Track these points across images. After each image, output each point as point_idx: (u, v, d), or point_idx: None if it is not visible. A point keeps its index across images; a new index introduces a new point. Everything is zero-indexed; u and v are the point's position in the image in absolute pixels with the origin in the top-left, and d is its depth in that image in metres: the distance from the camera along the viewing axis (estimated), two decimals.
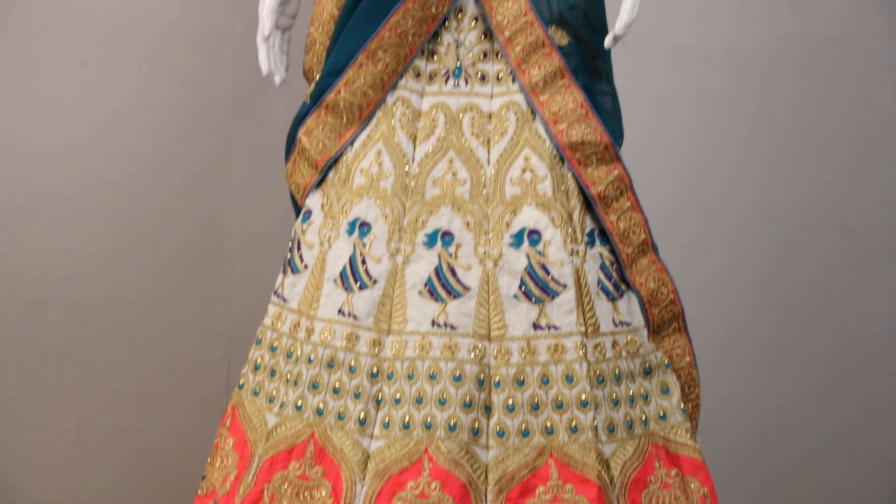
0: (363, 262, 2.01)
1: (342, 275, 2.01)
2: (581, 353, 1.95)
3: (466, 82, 2.07)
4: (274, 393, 2.05)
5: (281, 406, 2.02)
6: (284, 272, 2.12)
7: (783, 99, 3.18)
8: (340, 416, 1.95)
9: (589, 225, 2.03)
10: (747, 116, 3.20)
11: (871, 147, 3.20)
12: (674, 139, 3.19)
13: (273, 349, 2.10)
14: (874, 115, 3.19)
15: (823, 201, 3.21)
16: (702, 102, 3.19)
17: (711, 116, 3.20)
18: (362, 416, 1.95)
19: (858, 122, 3.19)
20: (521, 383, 1.94)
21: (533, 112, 2.03)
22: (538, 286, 1.97)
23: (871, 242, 3.21)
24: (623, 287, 2.06)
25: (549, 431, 1.93)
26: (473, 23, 2.07)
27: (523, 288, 1.97)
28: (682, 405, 2.06)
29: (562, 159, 2.02)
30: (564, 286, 1.97)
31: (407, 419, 1.93)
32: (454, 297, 1.98)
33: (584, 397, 1.95)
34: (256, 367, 2.12)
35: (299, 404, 1.99)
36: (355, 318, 1.99)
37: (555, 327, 1.96)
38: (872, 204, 3.21)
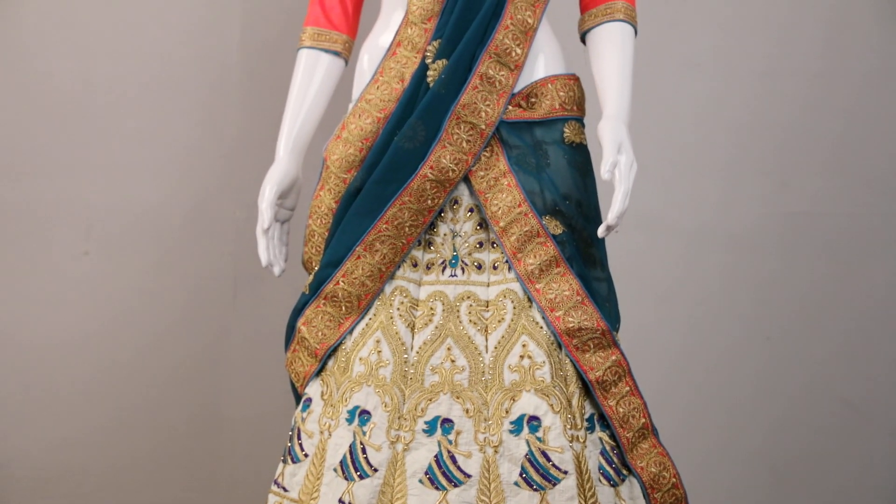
0: (363, 450, 2.01)
1: (342, 463, 2.01)
2: None
3: (463, 271, 2.11)
4: None
5: None
6: (284, 461, 2.12)
7: (782, 275, 3.22)
8: None
9: (588, 410, 2.04)
10: (746, 292, 3.23)
11: (868, 319, 3.23)
12: (672, 316, 3.21)
13: None
14: (871, 288, 3.22)
15: (822, 376, 3.22)
16: (701, 278, 3.22)
17: (710, 292, 3.22)
18: None
19: (857, 296, 3.22)
20: None
21: (529, 299, 2.06)
22: (539, 473, 1.97)
23: (869, 415, 3.21)
24: (624, 472, 2.05)
25: None
26: (469, 214, 2.12)
27: (524, 475, 1.97)
28: None
29: (559, 345, 2.04)
30: (565, 473, 1.96)
31: None
32: (455, 485, 1.97)
33: None
34: None
35: None
36: None
37: None
38: (870, 378, 3.21)
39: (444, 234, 2.12)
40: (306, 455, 2.08)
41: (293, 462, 2.10)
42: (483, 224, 2.11)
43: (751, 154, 3.21)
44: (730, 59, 3.21)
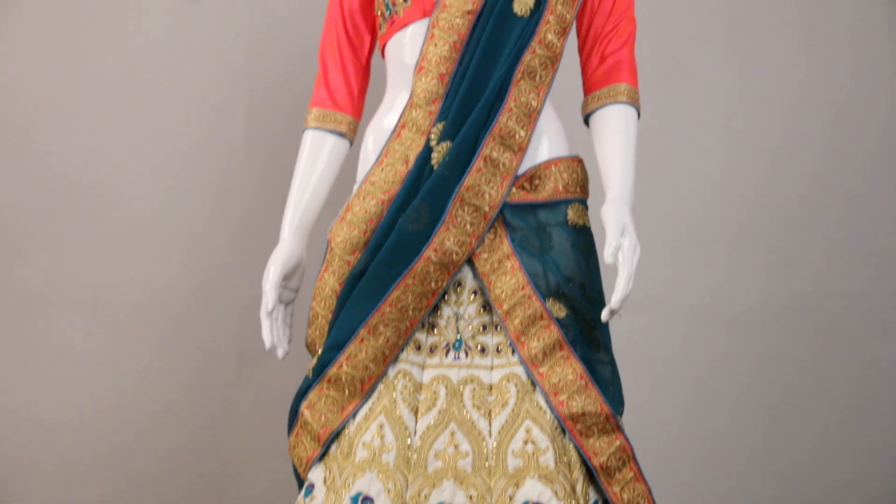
0: None
1: None
2: None
3: (466, 354, 2.10)
4: None
5: None
6: None
7: (786, 354, 3.21)
8: None
9: (592, 496, 2.02)
10: (750, 371, 3.21)
11: (872, 399, 3.21)
12: (676, 395, 3.20)
13: None
14: (875, 367, 3.21)
15: (825, 455, 3.19)
16: (705, 357, 3.21)
17: (714, 371, 3.21)
18: None
19: (861, 376, 3.21)
20: None
21: (533, 384, 2.05)
22: None
23: (872, 494, 3.18)
24: None
25: None
26: (472, 296, 2.11)
27: None
28: None
29: (563, 430, 2.02)
30: None
31: None
32: None
33: None
34: None
35: None
36: None
37: None
38: (873, 456, 3.19)
39: (448, 317, 2.11)
40: None
41: None
42: (487, 306, 2.11)
43: (756, 233, 3.22)
44: (736, 137, 3.23)
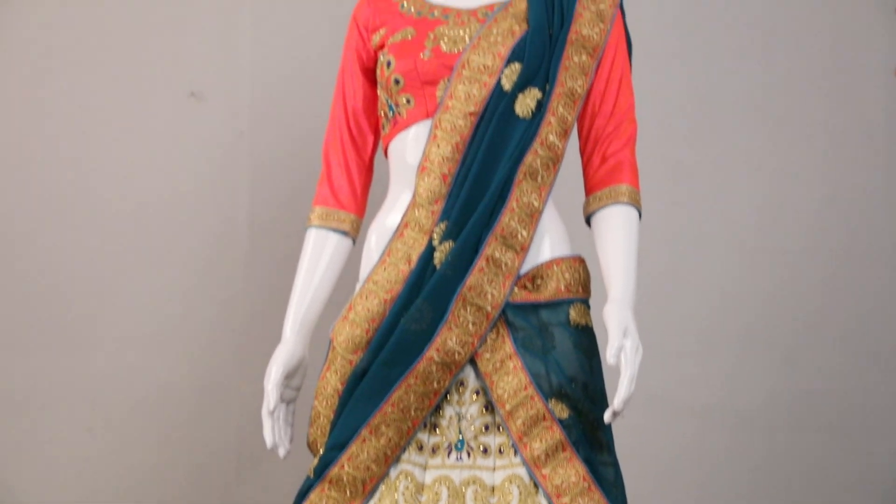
0: None
1: None
2: None
3: (469, 455, 2.08)
4: None
5: None
6: None
7: (790, 452, 3.19)
8: None
9: None
10: (754, 470, 3.19)
11: (877, 497, 3.18)
12: (678, 495, 3.17)
13: None
14: (879, 465, 3.19)
15: None
16: (708, 457, 3.19)
17: (717, 470, 3.19)
18: None
19: (865, 473, 3.19)
20: None
21: (536, 485, 2.03)
22: None
23: None
24: None
25: None
26: (475, 396, 2.10)
27: None
28: None
29: None
30: None
31: None
32: None
33: None
34: None
35: None
36: None
37: None
38: None
39: (450, 417, 2.10)
40: None
41: None
42: (489, 406, 2.10)
43: (760, 332, 3.22)
44: (740, 236, 3.24)
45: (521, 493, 2.03)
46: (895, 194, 3.29)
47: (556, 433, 2.03)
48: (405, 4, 2.27)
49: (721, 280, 3.23)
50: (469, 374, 2.11)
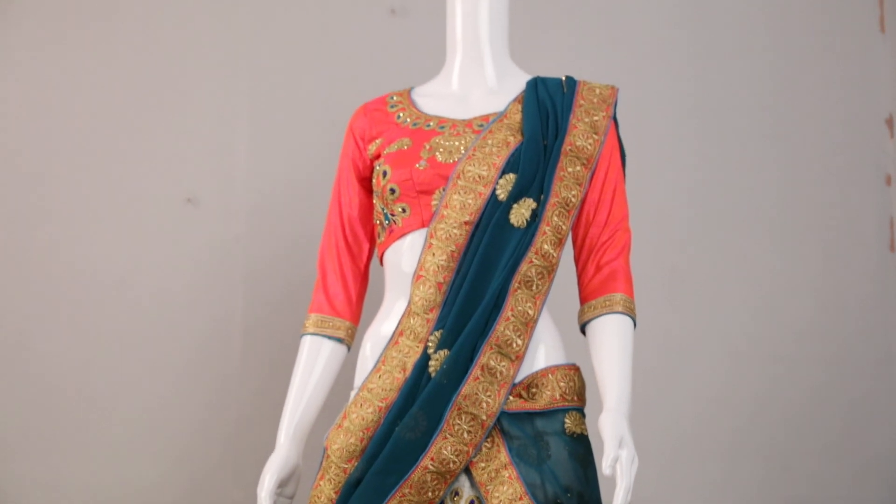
0: None
1: None
2: None
3: None
4: None
5: None
6: None
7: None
8: None
9: None
10: None
11: None
12: None
13: None
14: None
15: None
16: None
17: None
18: None
19: None
20: None
21: None
22: None
23: None
24: None
25: None
26: None
27: None
28: None
29: None
30: None
31: None
32: None
33: None
34: None
35: None
36: None
37: None
38: None
39: None
40: None
41: None
42: None
43: (753, 438, 3.21)
44: (734, 343, 3.25)
45: None
46: (886, 304, 3.30)
47: None
48: (401, 115, 2.31)
49: (715, 388, 3.22)
50: (464, 484, 2.10)
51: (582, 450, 2.12)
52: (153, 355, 3.05)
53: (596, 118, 2.26)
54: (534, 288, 2.15)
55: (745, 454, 3.20)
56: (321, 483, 2.16)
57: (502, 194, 2.16)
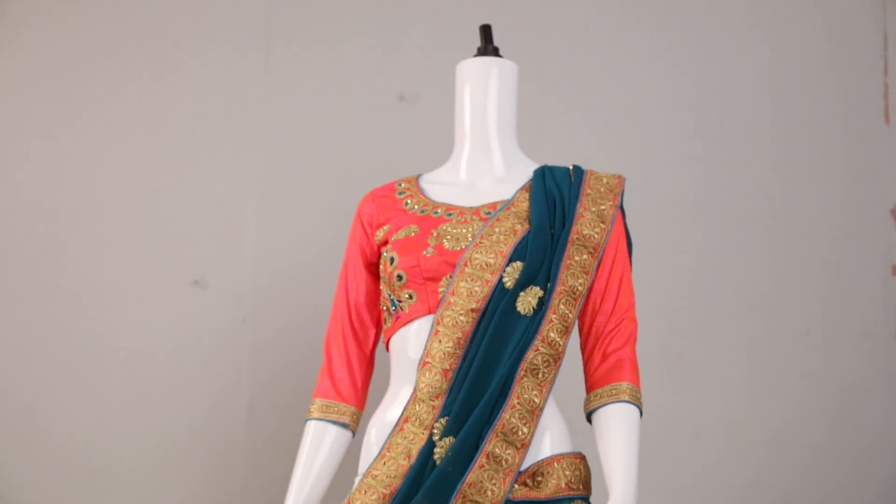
0: None
1: None
2: None
3: None
4: None
5: None
6: None
7: None
8: None
9: None
10: None
11: None
12: None
13: None
14: None
15: None
16: None
17: None
18: None
19: None
20: None
21: None
22: None
23: None
24: None
25: None
26: None
27: None
28: None
29: None
30: None
31: None
32: None
33: None
34: None
35: None
36: None
37: None
38: None
39: None
40: None
41: None
42: None
43: None
44: (734, 426, 3.23)
45: None
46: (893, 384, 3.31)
47: None
48: (409, 202, 2.33)
49: (716, 469, 3.21)
50: None
51: None
52: (155, 439, 3.04)
53: (603, 207, 2.28)
54: (540, 376, 2.15)
55: None
56: None
57: (509, 282, 2.17)
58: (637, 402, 2.19)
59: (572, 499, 2.13)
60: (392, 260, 2.25)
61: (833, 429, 3.26)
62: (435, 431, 2.12)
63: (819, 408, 3.26)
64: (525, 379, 2.14)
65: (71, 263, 3.08)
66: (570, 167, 2.34)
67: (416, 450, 2.13)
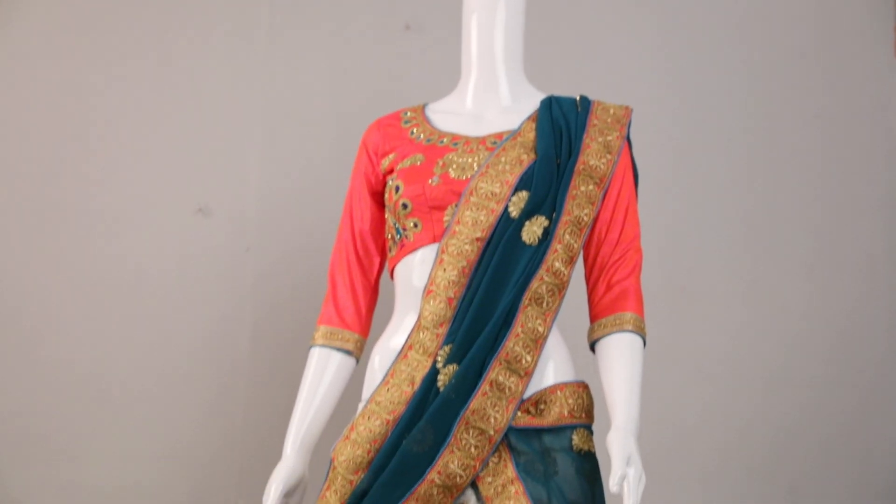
0: None
1: None
2: None
3: None
4: None
5: None
6: None
7: None
8: None
9: None
10: None
11: None
12: None
13: None
14: None
15: None
16: None
17: None
18: None
19: None
20: None
21: None
22: None
23: None
24: None
25: None
26: None
27: None
28: None
29: None
30: None
31: None
32: None
33: None
34: None
35: None
36: None
37: None
38: None
39: None
40: None
41: None
42: None
43: (766, 464, 3.20)
44: (735, 361, 3.25)
45: None
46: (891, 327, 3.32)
47: None
48: (414, 131, 2.33)
49: (719, 406, 3.23)
50: (470, 498, 2.10)
51: (589, 467, 2.13)
52: (161, 360, 3.07)
53: (609, 138, 2.27)
54: (544, 305, 2.16)
55: (758, 481, 3.20)
56: (327, 494, 2.17)
57: (514, 211, 2.17)
58: (641, 332, 2.20)
59: (575, 427, 2.14)
60: (397, 188, 2.25)
61: (833, 365, 3.28)
62: (439, 359, 2.14)
63: (819, 344, 3.28)
64: (529, 308, 2.15)
65: (73, 190, 3.08)
66: (577, 98, 2.34)
67: (419, 377, 2.14)
